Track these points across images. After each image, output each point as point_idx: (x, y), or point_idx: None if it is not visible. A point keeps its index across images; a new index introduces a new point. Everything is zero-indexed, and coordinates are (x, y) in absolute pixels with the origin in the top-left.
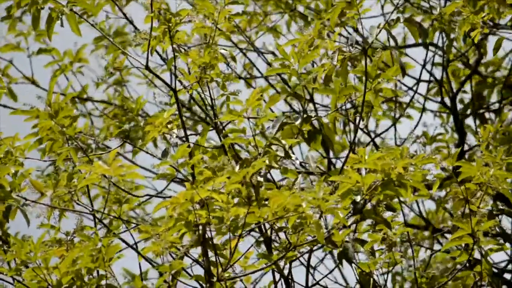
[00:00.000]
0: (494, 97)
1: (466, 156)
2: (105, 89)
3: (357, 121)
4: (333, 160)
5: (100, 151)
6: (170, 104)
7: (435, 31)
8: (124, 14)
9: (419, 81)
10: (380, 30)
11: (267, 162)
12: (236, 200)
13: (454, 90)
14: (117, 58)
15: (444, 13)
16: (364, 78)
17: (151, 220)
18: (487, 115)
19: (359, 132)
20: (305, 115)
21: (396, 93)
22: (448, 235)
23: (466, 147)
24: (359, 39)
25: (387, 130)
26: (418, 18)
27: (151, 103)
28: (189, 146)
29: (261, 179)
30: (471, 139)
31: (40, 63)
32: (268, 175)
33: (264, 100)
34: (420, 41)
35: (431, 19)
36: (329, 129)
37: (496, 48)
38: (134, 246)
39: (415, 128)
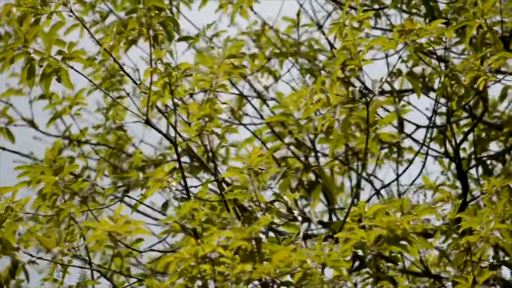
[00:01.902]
0: (494, 145)
1: (469, 205)
2: (103, 133)
3: (358, 169)
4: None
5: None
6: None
7: (437, 77)
8: (121, 67)
9: (418, 127)
10: (382, 84)
11: (271, 219)
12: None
13: (458, 141)
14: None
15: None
16: (361, 123)
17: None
18: (489, 161)
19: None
20: (305, 165)
21: (394, 138)
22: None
23: (469, 196)
24: (361, 86)
25: (392, 182)
26: (419, 68)
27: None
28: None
29: (263, 236)
30: (473, 186)
31: (39, 106)
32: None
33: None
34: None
35: (439, 74)
36: (329, 179)
37: (502, 96)
38: None
39: (417, 177)
